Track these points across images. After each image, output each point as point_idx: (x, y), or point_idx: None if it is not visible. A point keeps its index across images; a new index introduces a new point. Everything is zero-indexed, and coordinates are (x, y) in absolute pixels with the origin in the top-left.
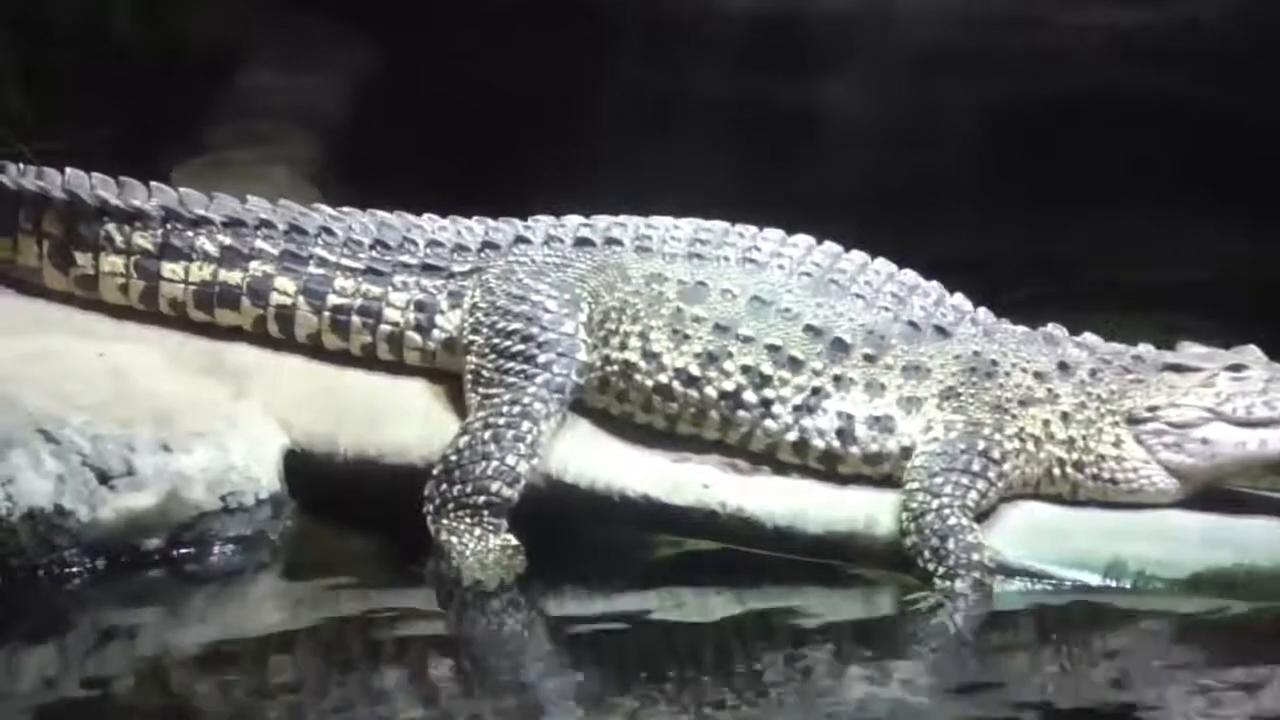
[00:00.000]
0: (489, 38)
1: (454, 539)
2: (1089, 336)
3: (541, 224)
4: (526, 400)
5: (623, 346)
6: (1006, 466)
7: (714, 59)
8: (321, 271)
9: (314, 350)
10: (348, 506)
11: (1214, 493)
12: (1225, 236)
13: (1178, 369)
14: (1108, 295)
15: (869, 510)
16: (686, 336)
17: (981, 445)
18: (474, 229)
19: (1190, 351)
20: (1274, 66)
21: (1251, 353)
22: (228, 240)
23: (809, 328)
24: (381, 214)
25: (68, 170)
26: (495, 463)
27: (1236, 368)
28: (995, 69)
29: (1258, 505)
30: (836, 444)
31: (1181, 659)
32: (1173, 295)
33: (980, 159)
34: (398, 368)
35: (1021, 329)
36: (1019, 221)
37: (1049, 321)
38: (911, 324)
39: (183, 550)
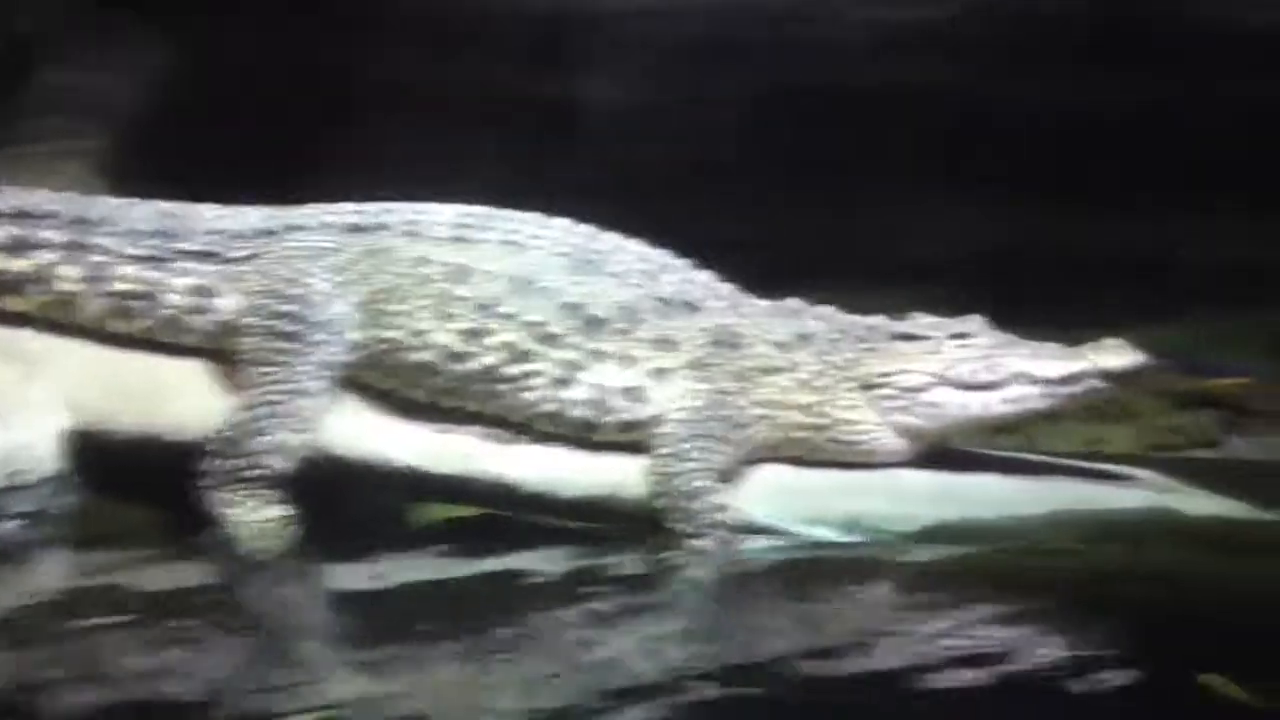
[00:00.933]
0: (276, 34)
1: (230, 511)
2: (826, 309)
3: (315, 211)
4: (298, 378)
5: (390, 326)
6: (750, 431)
7: (490, 54)
8: (105, 259)
9: (99, 334)
10: (130, 482)
11: (942, 451)
12: (985, 219)
13: (908, 338)
14: (873, 272)
15: (622, 475)
16: (450, 315)
17: (726, 412)
18: (251, 216)
19: (920, 321)
20: (1034, 58)
21: (975, 321)
22: (15, 230)
23: (566, 305)
24: (163, 203)
25: None
26: (269, 438)
27: (961, 335)
28: (772, 61)
29: (981, 463)
30: (591, 414)
31: (912, 603)
32: (934, 272)
33: (753, 147)
34: (178, 349)
35: (765, 302)
36: (794, 205)
37: (809, 295)
38: (661, 300)
39: None
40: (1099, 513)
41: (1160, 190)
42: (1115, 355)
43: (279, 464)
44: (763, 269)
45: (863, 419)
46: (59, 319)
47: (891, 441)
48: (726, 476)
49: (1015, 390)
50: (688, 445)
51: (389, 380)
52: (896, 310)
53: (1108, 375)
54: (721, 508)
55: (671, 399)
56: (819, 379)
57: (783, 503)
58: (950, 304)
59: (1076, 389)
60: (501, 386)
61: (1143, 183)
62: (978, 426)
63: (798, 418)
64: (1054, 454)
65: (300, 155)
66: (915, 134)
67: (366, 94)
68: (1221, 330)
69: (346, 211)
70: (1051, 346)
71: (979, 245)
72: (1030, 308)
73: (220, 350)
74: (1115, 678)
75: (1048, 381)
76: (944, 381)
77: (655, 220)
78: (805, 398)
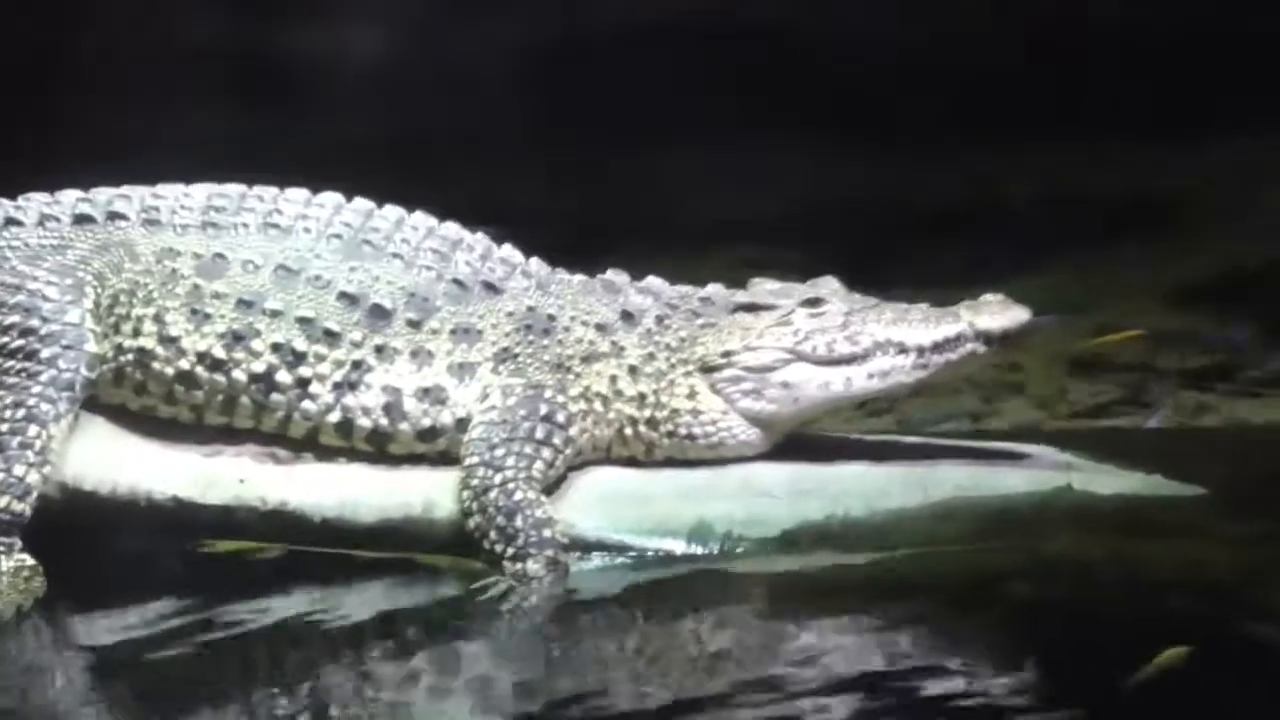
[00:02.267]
0: None
1: None
2: (653, 281)
3: (34, 202)
4: (32, 402)
5: (136, 333)
6: (573, 431)
7: (207, 6)
8: None
9: None
10: None
11: (803, 439)
12: (800, 166)
13: (751, 308)
14: (682, 234)
15: (427, 492)
16: (207, 316)
17: (544, 410)
18: None
19: (763, 288)
20: None
21: (828, 284)
22: None
23: (343, 295)
24: None
25: None
26: (1, 475)
27: (814, 302)
28: (530, 9)
29: (849, 450)
30: (384, 422)
31: (777, 626)
32: (752, 229)
33: (546, 99)
34: None
35: (579, 278)
36: (599, 163)
37: (629, 266)
38: (457, 282)
39: None
40: (989, 500)
41: (1019, 122)
42: (995, 313)
43: (15, 505)
44: (571, 238)
45: (706, 408)
46: None
47: (742, 432)
48: (550, 486)
49: (882, 362)
50: (501, 452)
51: (142, 398)
52: (733, 277)
53: (988, 337)
54: (546, 523)
55: (478, 398)
56: (650, 364)
57: (618, 513)
58: (795, 266)
59: (953, 356)
60: (276, 396)
61: (997, 115)
62: (842, 407)
63: (629, 411)
64: (934, 434)
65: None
66: (733, 77)
67: (67, 63)
68: (1111, 276)
69: (72, 201)
70: (920, 308)
71: (818, 196)
72: (888, 263)
73: None
74: (1015, 696)
75: (919, 349)
76: (798, 357)
77: (435, 190)
78: (636, 387)
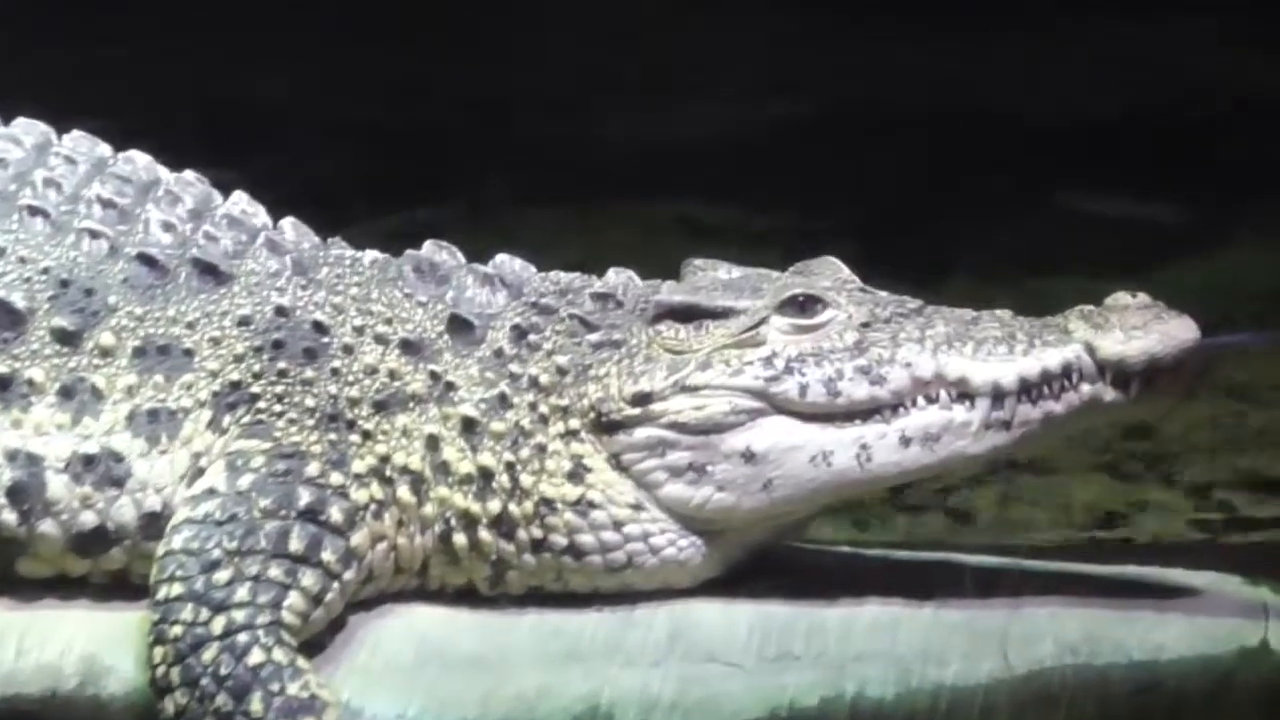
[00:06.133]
0: None
1: None
2: (508, 262)
3: None
4: None
5: None
6: (358, 538)
7: None
8: None
9: None
10: None
11: (782, 556)
12: (786, 51)
13: (688, 314)
14: (570, 175)
15: (88, 649)
16: None
17: (305, 499)
18: None
19: (709, 277)
20: None
21: (828, 270)
22: None
23: None
24: None
25: None
26: None
27: (801, 304)
28: None
29: (864, 576)
30: (10, 518)
31: None
32: (695, 167)
33: None
34: None
35: (371, 255)
36: (373, 40)
37: (467, 236)
38: (146, 260)
39: None
40: (1123, 671)
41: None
42: (1135, 327)
43: None
44: (363, 180)
45: (604, 497)
46: None
47: (669, 542)
48: (315, 638)
49: (928, 416)
50: (225, 575)
51: None
52: (652, 253)
53: (1123, 371)
54: (308, 709)
55: (183, 477)
56: (501, 415)
57: (446, 690)
58: (768, 235)
59: (1058, 407)
60: None
61: None
62: (854, 498)
63: (463, 503)
64: (1016, 547)
65: None
66: None
67: None
68: None
69: None
70: (998, 316)
71: (814, 102)
72: (937, 232)
73: None
74: None
75: (996, 392)
76: (773, 405)
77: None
78: (476, 458)
